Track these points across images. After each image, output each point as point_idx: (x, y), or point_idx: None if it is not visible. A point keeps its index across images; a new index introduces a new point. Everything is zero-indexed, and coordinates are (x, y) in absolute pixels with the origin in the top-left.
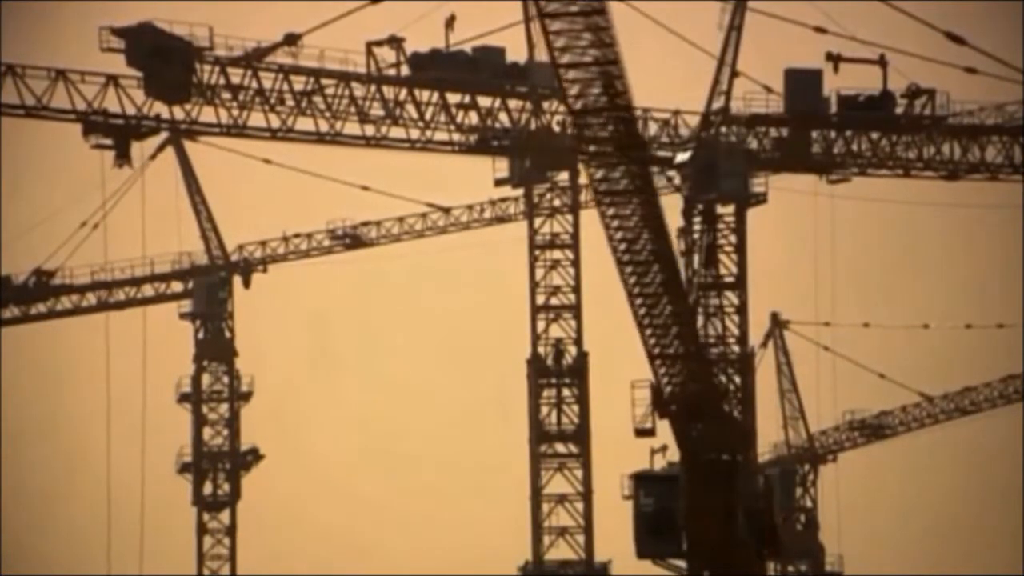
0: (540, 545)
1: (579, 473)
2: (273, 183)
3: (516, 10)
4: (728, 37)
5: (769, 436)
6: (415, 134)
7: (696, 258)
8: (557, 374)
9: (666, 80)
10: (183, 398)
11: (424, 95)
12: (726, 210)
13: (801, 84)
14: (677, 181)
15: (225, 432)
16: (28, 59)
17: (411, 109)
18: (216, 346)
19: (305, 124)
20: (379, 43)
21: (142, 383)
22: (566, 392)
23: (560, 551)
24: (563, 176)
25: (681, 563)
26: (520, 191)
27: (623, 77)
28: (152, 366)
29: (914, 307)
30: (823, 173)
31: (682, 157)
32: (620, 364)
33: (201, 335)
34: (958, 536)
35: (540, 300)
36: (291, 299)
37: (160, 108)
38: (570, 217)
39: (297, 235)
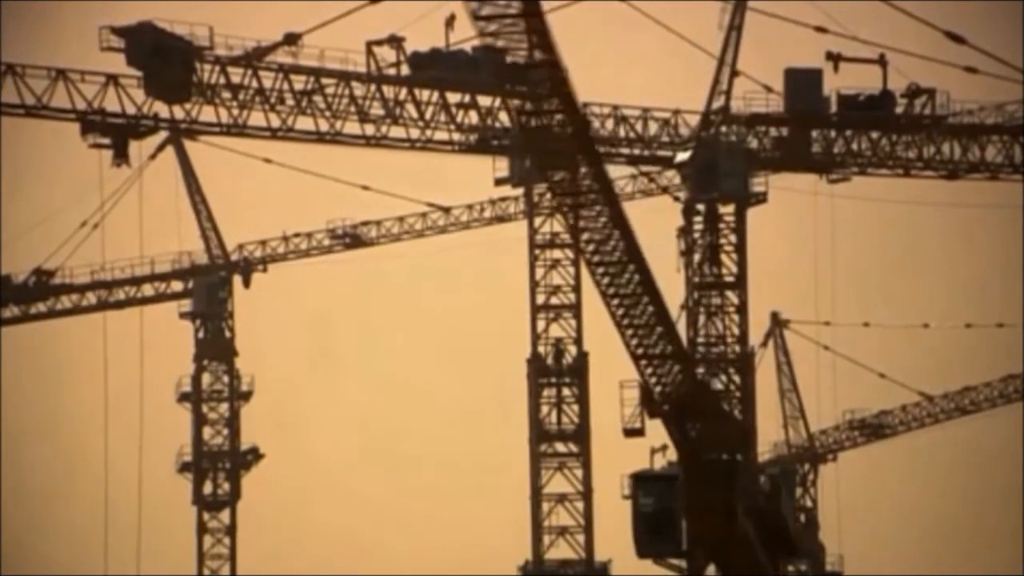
0: (540, 545)
1: (579, 473)
2: (273, 183)
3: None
4: (728, 37)
5: (769, 436)
6: (415, 134)
7: (696, 258)
8: (557, 374)
9: (666, 80)
10: (183, 397)
11: (424, 95)
12: (726, 210)
13: (801, 84)
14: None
15: (225, 432)
16: (28, 59)
17: (411, 109)
18: (216, 346)
19: (305, 124)
20: (379, 43)
21: (141, 383)
22: (566, 392)
23: (560, 551)
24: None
25: (681, 562)
26: (520, 191)
27: (566, 77)
28: (152, 366)
29: (914, 307)
30: (823, 173)
31: (682, 157)
32: (620, 364)
33: (201, 335)
34: (958, 536)
35: (540, 300)
36: (291, 299)
37: (160, 107)
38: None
39: (297, 235)
